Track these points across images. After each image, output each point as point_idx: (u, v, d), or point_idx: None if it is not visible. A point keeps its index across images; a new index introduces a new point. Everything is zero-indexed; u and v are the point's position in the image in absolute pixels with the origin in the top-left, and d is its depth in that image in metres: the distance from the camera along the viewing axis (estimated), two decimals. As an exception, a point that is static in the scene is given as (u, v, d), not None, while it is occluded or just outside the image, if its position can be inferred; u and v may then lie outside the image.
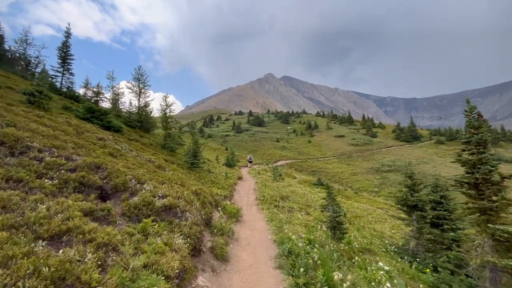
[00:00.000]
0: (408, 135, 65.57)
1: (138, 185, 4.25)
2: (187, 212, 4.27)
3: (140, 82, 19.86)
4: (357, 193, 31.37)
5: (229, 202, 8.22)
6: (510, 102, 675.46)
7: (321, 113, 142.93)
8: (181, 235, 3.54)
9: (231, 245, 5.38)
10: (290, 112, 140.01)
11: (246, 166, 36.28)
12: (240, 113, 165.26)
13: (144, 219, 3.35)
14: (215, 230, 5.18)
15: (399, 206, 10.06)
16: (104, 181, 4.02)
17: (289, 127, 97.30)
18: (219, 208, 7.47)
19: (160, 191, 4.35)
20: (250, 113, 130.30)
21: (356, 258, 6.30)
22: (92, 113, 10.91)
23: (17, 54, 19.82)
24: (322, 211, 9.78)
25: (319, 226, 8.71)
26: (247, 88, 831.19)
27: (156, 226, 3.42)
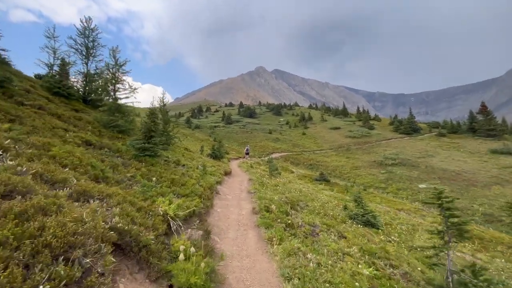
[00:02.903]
0: (408, 127, 62.32)
1: None
2: None
3: (89, 39, 14.23)
4: (366, 190, 27.09)
5: (187, 250, 3.12)
6: (492, 98, 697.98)
7: (314, 106, 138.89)
8: None
9: None
10: (282, 104, 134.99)
11: (237, 158, 31.43)
12: (231, 104, 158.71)
13: None
14: None
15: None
16: None
17: (281, 119, 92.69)
18: (153, 269, 2.41)
19: None
20: (241, 105, 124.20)
21: None
22: None
23: None
24: (432, 266, 4.86)
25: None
26: (238, 81, 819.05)
27: None
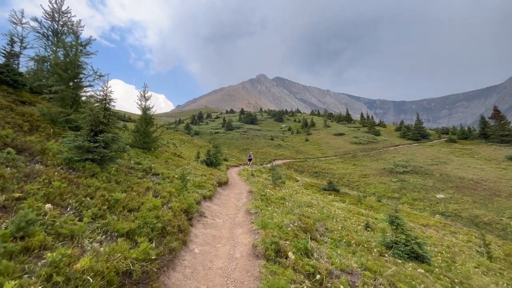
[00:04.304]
0: (416, 133, 59.64)
1: None
2: None
3: (59, 22, 11.99)
4: (380, 201, 24.25)
5: None
6: (494, 105, 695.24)
7: (316, 112, 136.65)
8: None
9: None
10: (284, 110, 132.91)
11: (238, 166, 28.96)
12: (232, 111, 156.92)
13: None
14: None
15: None
16: None
17: (283, 125, 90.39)
18: None
19: None
20: (242, 111, 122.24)
21: None
22: None
23: None
24: None
25: None
26: (239, 88, 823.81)
27: None
